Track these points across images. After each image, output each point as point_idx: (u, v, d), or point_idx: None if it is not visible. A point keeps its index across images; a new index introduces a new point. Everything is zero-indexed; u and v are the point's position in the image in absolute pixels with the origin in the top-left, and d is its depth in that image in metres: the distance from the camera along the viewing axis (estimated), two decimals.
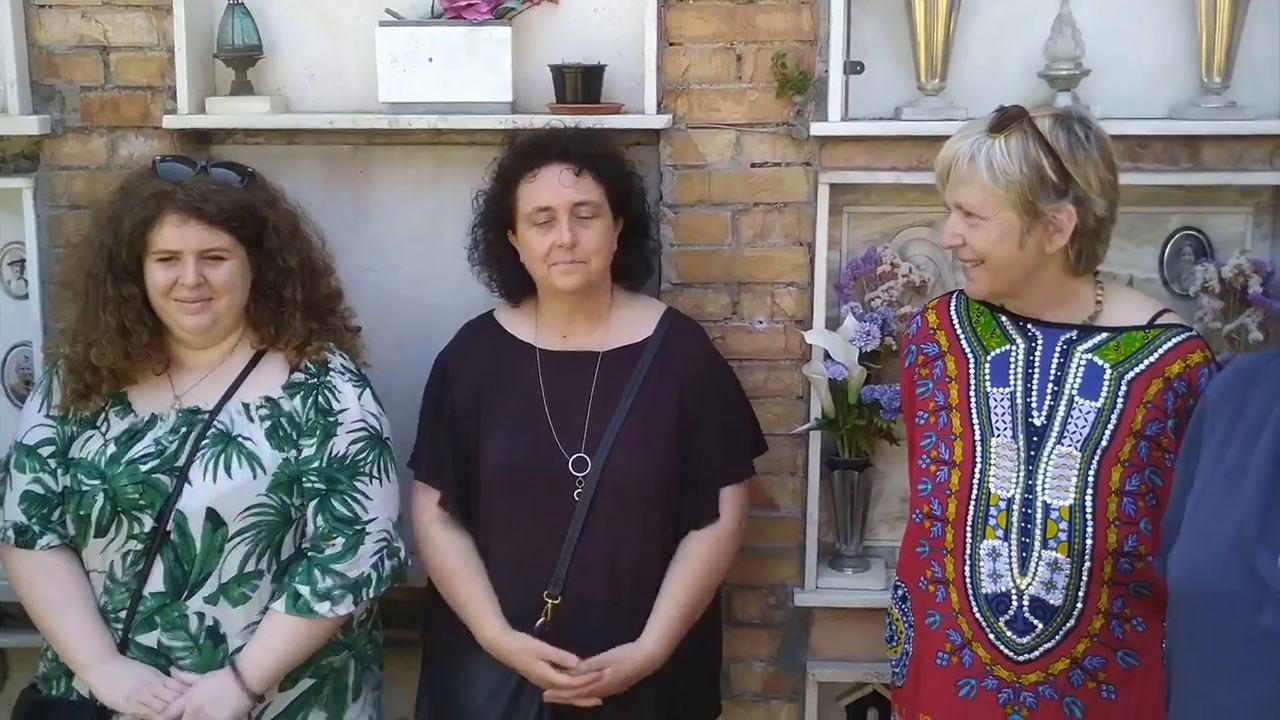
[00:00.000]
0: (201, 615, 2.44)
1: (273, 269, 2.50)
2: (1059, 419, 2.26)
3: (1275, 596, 1.55)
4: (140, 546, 2.43)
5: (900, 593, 2.47)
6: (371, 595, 2.52)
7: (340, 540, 2.48)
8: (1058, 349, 2.30)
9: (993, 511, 2.28)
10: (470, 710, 2.66)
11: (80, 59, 3.00)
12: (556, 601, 2.58)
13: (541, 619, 2.58)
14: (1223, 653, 1.62)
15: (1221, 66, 2.80)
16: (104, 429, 2.49)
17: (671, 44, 2.90)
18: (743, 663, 3.10)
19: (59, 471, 2.49)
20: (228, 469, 2.43)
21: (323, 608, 2.45)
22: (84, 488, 2.44)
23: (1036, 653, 2.25)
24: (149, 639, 2.44)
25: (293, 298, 2.51)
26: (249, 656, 2.43)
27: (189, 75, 2.95)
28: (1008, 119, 2.22)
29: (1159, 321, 2.29)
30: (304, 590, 2.45)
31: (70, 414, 2.50)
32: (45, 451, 2.50)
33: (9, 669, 3.28)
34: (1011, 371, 2.32)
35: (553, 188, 2.58)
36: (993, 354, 2.35)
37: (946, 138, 2.72)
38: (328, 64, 3.06)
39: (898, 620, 2.48)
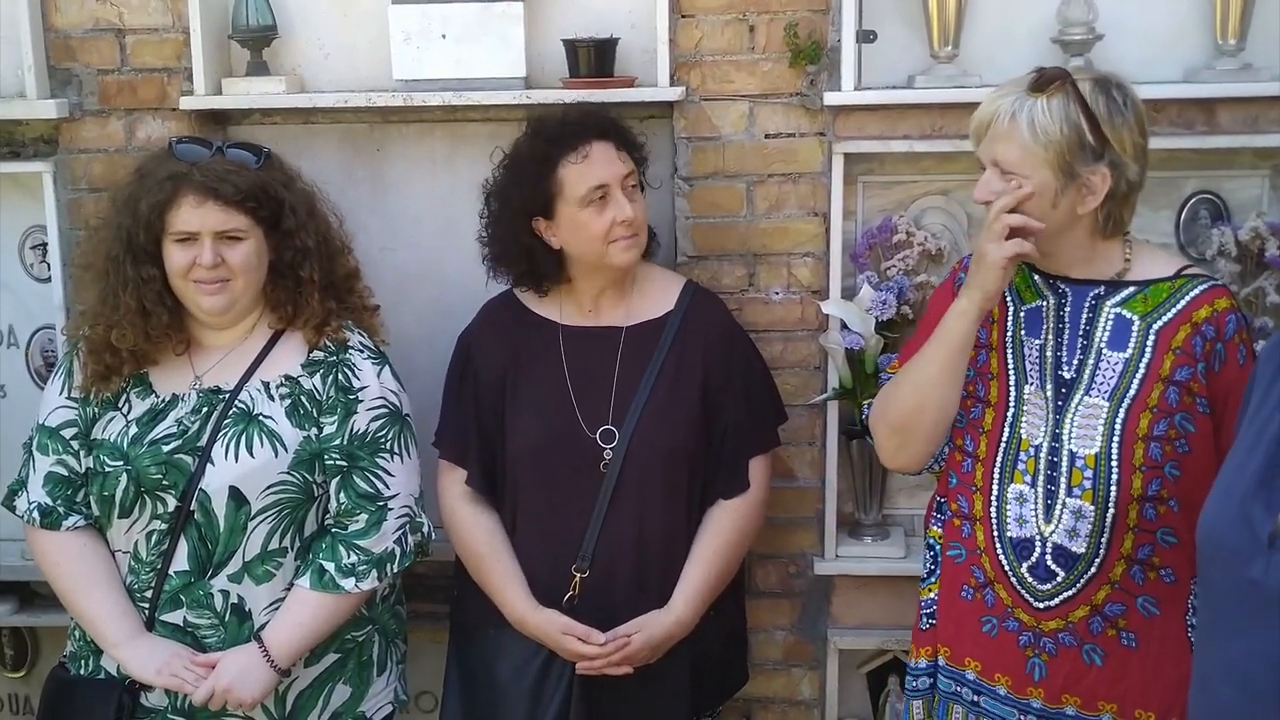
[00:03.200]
0: (226, 593, 2.46)
1: (290, 249, 2.51)
2: (1088, 371, 2.28)
3: (1263, 548, 1.59)
4: (164, 526, 2.45)
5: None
6: (395, 570, 2.54)
7: (363, 516, 2.50)
8: (1087, 304, 2.31)
9: (1022, 456, 2.29)
10: (500, 684, 2.68)
11: (96, 42, 3.02)
12: (585, 575, 2.60)
13: (570, 593, 2.61)
14: (1224, 603, 1.66)
15: (1236, 28, 2.79)
16: (125, 410, 2.51)
17: (684, 16, 2.89)
18: (764, 632, 3.12)
19: (81, 453, 2.52)
20: (249, 448, 2.45)
21: (348, 583, 2.47)
22: (107, 469, 2.46)
23: (1056, 600, 2.27)
24: (174, 618, 2.47)
25: (310, 277, 2.52)
26: (275, 633, 2.46)
27: (205, 57, 2.96)
28: (1050, 79, 2.22)
29: (1185, 272, 2.31)
30: (329, 566, 2.47)
31: (91, 395, 2.52)
32: (68, 433, 2.53)
33: (40, 648, 3.32)
34: (1044, 325, 2.33)
35: (608, 165, 2.58)
36: (1027, 306, 2.36)
37: (960, 105, 2.74)
38: (342, 43, 3.07)
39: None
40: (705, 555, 2.66)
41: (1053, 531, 2.26)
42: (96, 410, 2.53)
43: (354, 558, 2.48)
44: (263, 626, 2.47)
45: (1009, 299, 2.39)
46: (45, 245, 3.11)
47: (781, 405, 2.85)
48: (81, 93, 3.04)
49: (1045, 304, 2.35)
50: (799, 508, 3.05)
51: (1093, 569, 2.25)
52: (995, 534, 2.32)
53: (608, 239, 2.58)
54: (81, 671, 2.54)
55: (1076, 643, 2.27)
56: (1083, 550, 2.25)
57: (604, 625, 2.58)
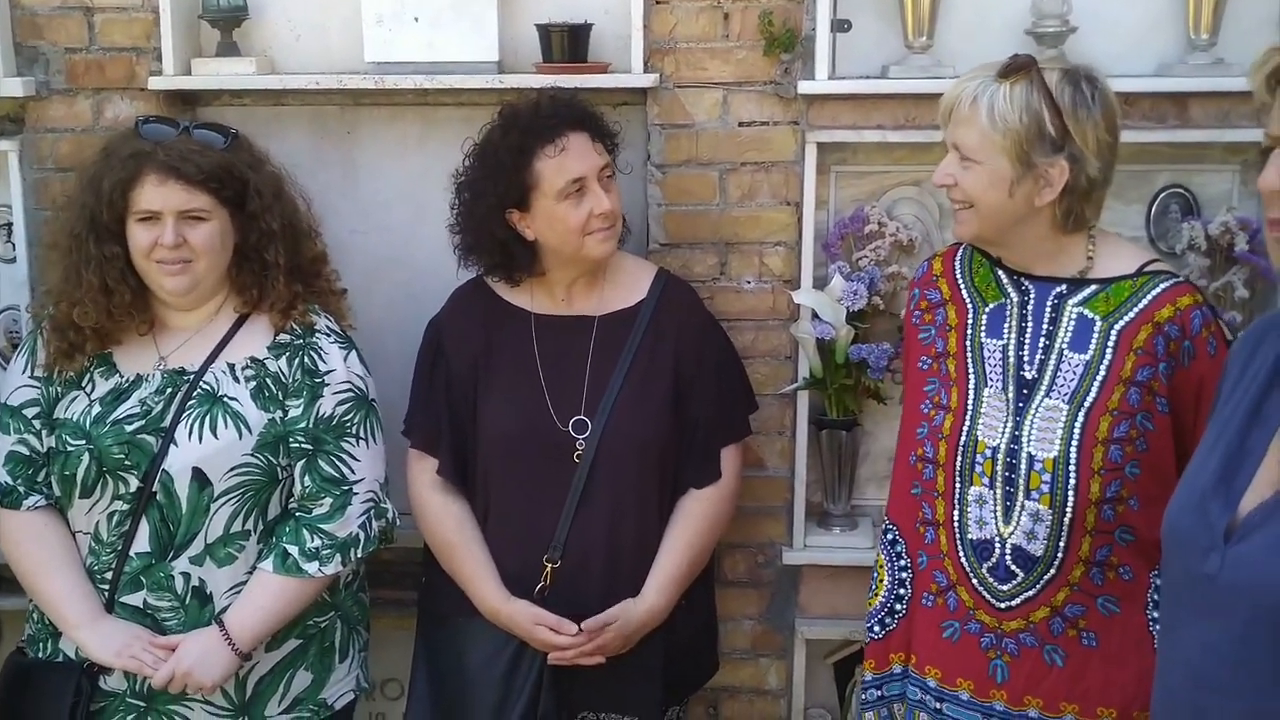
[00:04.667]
0: (187, 575, 2.45)
1: (255, 232, 2.50)
2: (1049, 372, 2.27)
3: (1219, 542, 1.61)
4: (126, 507, 2.44)
5: (890, 536, 2.47)
6: (359, 555, 2.53)
7: (328, 500, 2.49)
8: (1049, 303, 2.31)
9: (979, 459, 2.29)
10: (470, 673, 2.67)
11: (64, 20, 2.98)
12: (556, 565, 2.60)
13: (541, 584, 2.60)
14: (1181, 595, 1.68)
15: (1209, 23, 2.79)
16: (89, 390, 2.49)
17: (658, 2, 2.88)
18: (732, 621, 3.11)
19: (44, 433, 2.50)
20: (213, 429, 2.44)
21: (311, 567, 2.46)
22: (69, 448, 2.45)
23: (1017, 600, 2.27)
24: (134, 599, 2.46)
25: (276, 260, 2.50)
26: (237, 616, 2.44)
27: (174, 36, 2.93)
28: (1017, 66, 2.22)
29: (1147, 269, 2.30)
30: (292, 550, 2.46)
31: (55, 374, 2.50)
32: (30, 412, 2.51)
33: (2, 632, 3.29)
34: (1006, 325, 2.33)
35: (585, 157, 2.56)
36: (990, 306, 2.36)
37: (934, 96, 2.72)
38: (313, 24, 3.05)
39: (881, 567, 2.48)
40: (677, 545, 2.66)
41: (1011, 533, 2.26)
42: (60, 390, 2.51)
43: (318, 541, 2.47)
44: (224, 610, 2.45)
45: (968, 302, 2.39)
46: (10, 225, 3.07)
47: (753, 394, 2.85)
48: (49, 71, 3.00)
49: (1008, 302, 2.34)
50: (768, 497, 3.05)
51: (1051, 571, 2.25)
52: (957, 536, 2.33)
53: (584, 231, 2.57)
54: (40, 654, 2.52)
55: (1037, 643, 2.28)
56: (1040, 553, 2.25)
57: (576, 615, 2.57)
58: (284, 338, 2.52)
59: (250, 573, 2.47)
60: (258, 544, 2.49)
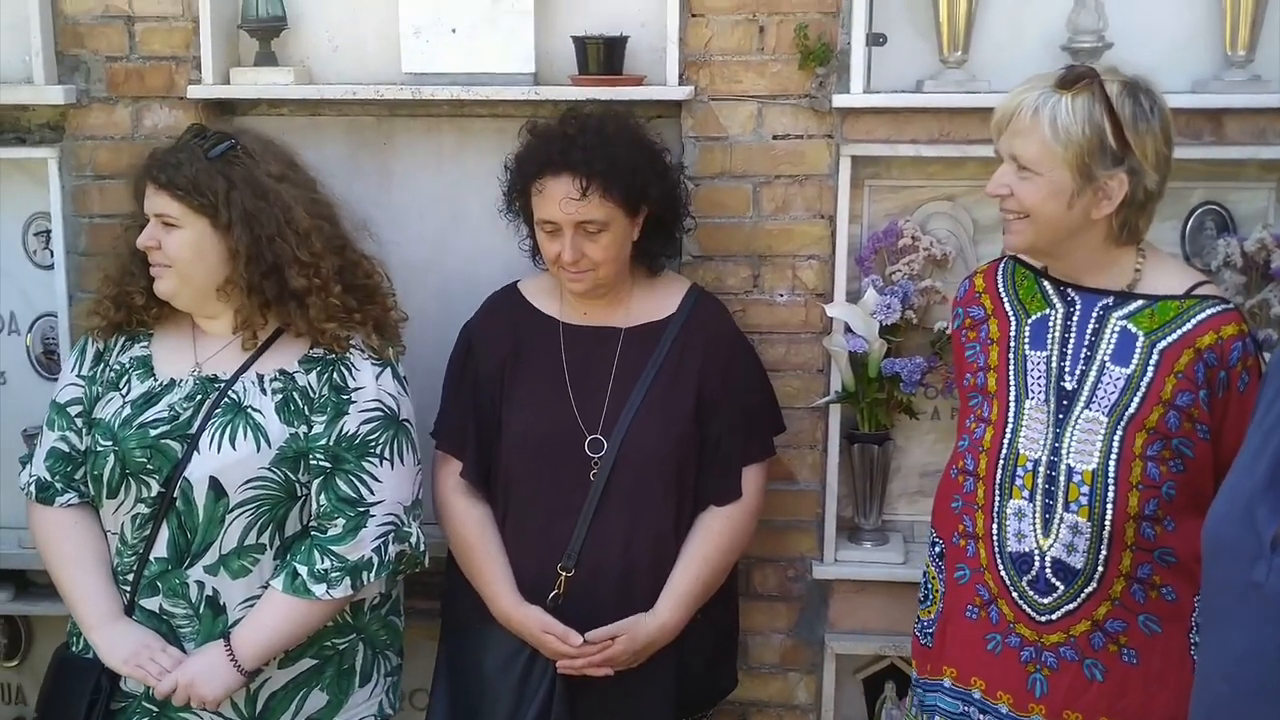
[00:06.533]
0: (201, 584, 2.44)
1: (270, 252, 2.44)
2: (1089, 384, 2.26)
3: (1266, 550, 1.59)
4: (148, 511, 2.44)
5: (937, 549, 2.47)
6: (371, 579, 2.47)
7: (341, 521, 2.45)
8: (1094, 314, 2.30)
9: (1019, 472, 2.28)
10: (485, 679, 2.68)
11: (105, 29, 3.01)
12: (570, 574, 2.60)
13: (555, 591, 2.60)
14: (1225, 603, 1.67)
15: (1245, 39, 2.79)
16: (125, 391, 2.51)
17: (694, 15, 2.89)
18: (761, 635, 3.10)
19: (84, 431, 2.52)
20: (233, 440, 2.43)
21: (319, 589, 2.42)
22: (99, 448, 2.47)
23: (1058, 614, 2.26)
24: (152, 603, 2.46)
25: (306, 284, 2.46)
26: (243, 633, 2.42)
27: (213, 46, 2.96)
28: (1078, 77, 2.20)
29: (1196, 292, 2.28)
30: (302, 570, 2.42)
31: (99, 372, 2.54)
32: (73, 410, 2.54)
33: (34, 637, 3.31)
34: (1049, 335, 2.32)
35: (560, 205, 2.54)
36: (1033, 317, 2.35)
37: (968, 110, 2.75)
38: (351, 35, 3.07)
39: (934, 579, 2.48)
40: (693, 561, 2.65)
41: (1051, 545, 2.25)
42: (100, 390, 2.53)
43: (327, 563, 2.43)
44: (237, 622, 2.44)
45: (1010, 314, 2.38)
46: (49, 232, 3.10)
47: (779, 415, 2.84)
48: (89, 79, 3.03)
49: (1053, 313, 2.33)
50: (799, 511, 3.04)
51: (1092, 584, 2.24)
52: (996, 550, 2.32)
53: (556, 265, 2.60)
54: (73, 649, 2.54)
55: (1078, 657, 2.26)
56: (1081, 565, 2.24)
57: (588, 625, 2.57)
58: (317, 352, 2.51)
59: (265, 587, 2.45)
60: (274, 559, 2.47)
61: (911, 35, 2.92)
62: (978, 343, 2.43)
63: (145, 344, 2.56)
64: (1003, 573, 2.31)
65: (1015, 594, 2.30)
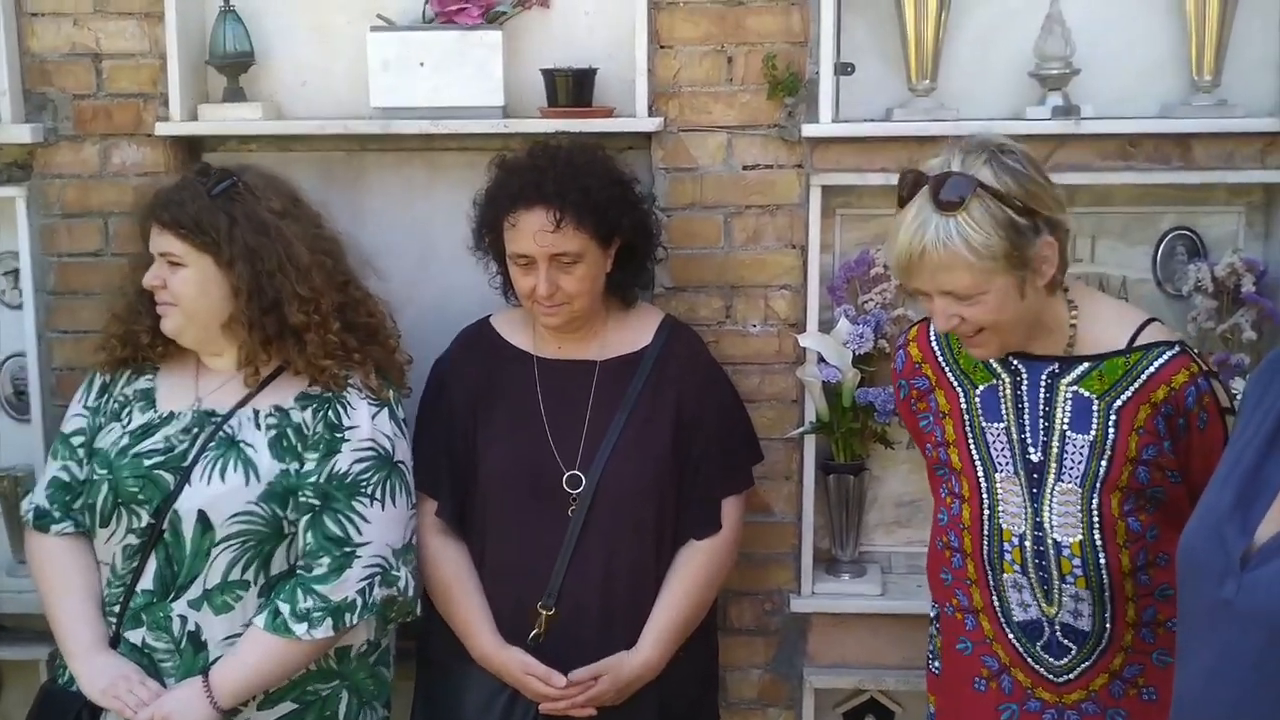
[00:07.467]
0: (184, 619, 2.42)
1: (270, 288, 2.45)
2: (1054, 455, 2.24)
3: (1235, 568, 1.59)
4: (137, 541, 2.44)
5: (935, 613, 2.47)
6: (354, 621, 2.43)
7: (327, 560, 2.42)
8: (1042, 382, 2.25)
9: (1006, 547, 2.27)
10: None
11: (73, 67, 3.00)
12: (550, 613, 2.57)
13: (535, 630, 2.57)
14: (1197, 620, 1.67)
15: (1212, 64, 2.80)
16: (126, 422, 2.52)
17: (662, 46, 2.90)
18: (739, 670, 3.07)
19: (85, 461, 2.53)
20: (223, 473, 2.42)
21: (300, 629, 2.39)
22: (95, 476, 2.48)
23: (1075, 673, 2.27)
24: (135, 636, 2.44)
25: (305, 319, 2.46)
26: (222, 670, 2.40)
27: (181, 82, 2.95)
28: (956, 193, 2.08)
29: (1139, 342, 2.22)
30: (284, 608, 2.40)
31: (103, 404, 2.55)
32: (76, 441, 2.56)
33: (2, 682, 3.25)
34: (1003, 407, 2.28)
35: (534, 238, 2.52)
36: (980, 388, 2.31)
37: (938, 138, 2.73)
38: (320, 70, 3.07)
39: (938, 640, 2.47)
40: (675, 597, 2.63)
41: (1058, 613, 2.25)
42: (104, 420, 2.55)
43: (309, 603, 2.40)
44: (218, 659, 2.42)
45: (957, 386, 2.34)
46: (17, 271, 3.07)
47: (757, 445, 2.83)
48: (56, 117, 3.01)
49: (999, 384, 2.29)
50: (775, 543, 3.02)
51: (1104, 642, 2.24)
52: (1002, 621, 2.31)
53: (530, 299, 2.58)
54: (60, 680, 2.52)
55: (1099, 710, 2.26)
56: (1089, 627, 2.24)
57: (570, 664, 2.54)
58: (314, 389, 2.50)
59: (247, 625, 2.43)
60: (258, 596, 2.45)
61: (880, 64, 2.93)
62: (929, 413, 2.39)
63: (150, 377, 2.58)
64: (1014, 641, 2.30)
65: (1030, 660, 2.29)
